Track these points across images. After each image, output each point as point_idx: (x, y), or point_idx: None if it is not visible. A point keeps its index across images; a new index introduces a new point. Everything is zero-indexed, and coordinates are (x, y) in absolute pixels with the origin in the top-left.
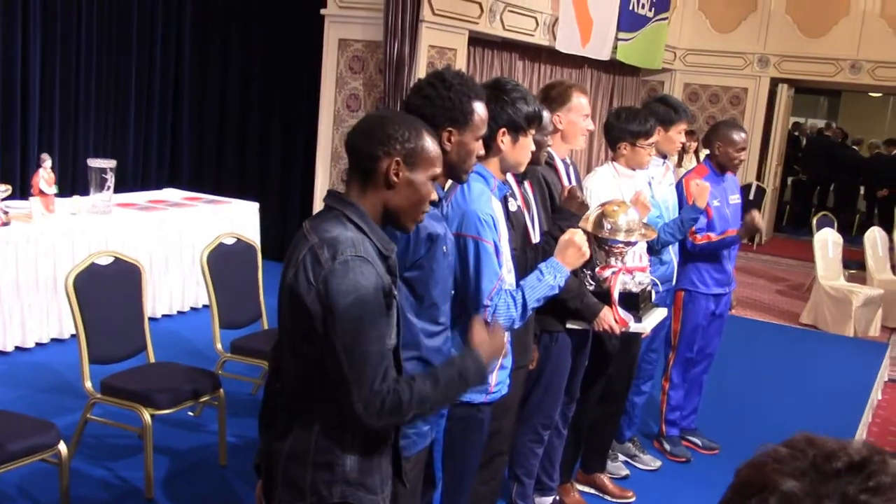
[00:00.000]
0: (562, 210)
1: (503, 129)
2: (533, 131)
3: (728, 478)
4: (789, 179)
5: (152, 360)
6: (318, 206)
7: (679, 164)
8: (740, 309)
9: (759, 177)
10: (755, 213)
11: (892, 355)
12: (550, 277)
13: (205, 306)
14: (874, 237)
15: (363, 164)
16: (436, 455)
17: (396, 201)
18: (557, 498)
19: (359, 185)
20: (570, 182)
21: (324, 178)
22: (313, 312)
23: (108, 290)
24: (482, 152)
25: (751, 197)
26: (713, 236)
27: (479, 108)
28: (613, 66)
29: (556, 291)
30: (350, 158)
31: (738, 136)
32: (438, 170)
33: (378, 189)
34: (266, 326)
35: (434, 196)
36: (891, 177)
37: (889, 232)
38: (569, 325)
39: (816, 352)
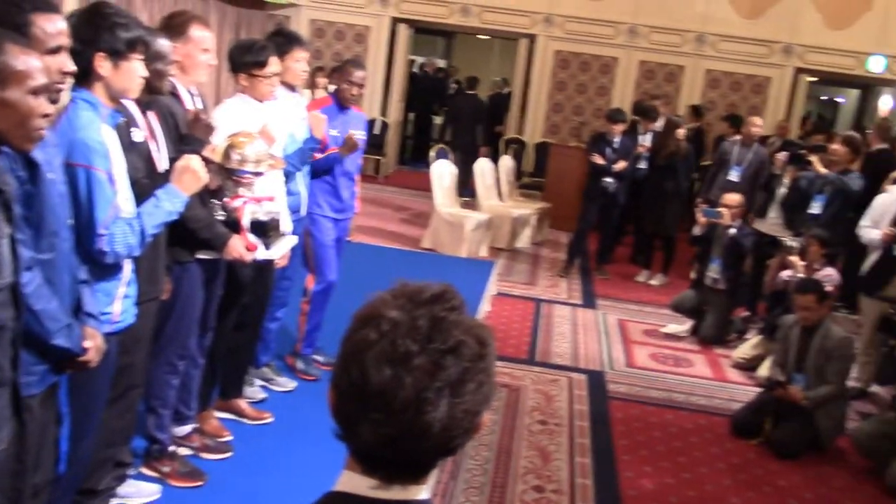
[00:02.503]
0: (187, 136)
1: (101, 54)
2: (138, 56)
3: None
4: (411, 115)
5: None
6: None
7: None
8: (366, 236)
9: (384, 112)
10: (351, 133)
11: (499, 272)
12: (168, 203)
13: None
14: (482, 168)
15: None
16: (60, 390)
17: None
18: (196, 426)
19: None
20: None
21: None
22: None
23: None
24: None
25: (376, 131)
26: (319, 155)
27: (44, 22)
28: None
29: (175, 217)
30: None
31: (356, 73)
32: (38, 81)
33: None
34: None
35: (47, 109)
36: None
37: (496, 162)
38: (199, 256)
39: (435, 272)
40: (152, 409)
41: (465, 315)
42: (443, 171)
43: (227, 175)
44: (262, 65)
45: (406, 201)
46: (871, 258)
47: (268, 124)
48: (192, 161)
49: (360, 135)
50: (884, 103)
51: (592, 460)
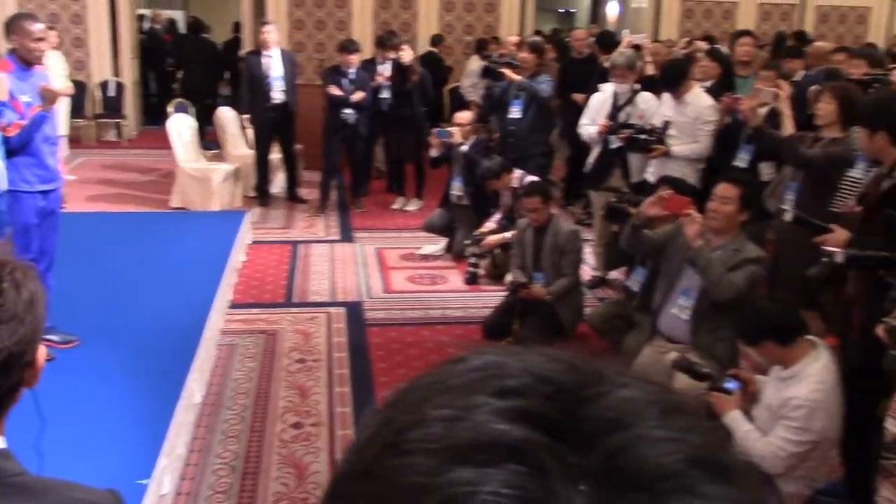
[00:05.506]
0: None
1: None
2: None
3: (92, 364)
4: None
5: None
6: None
7: None
8: (109, 204)
9: (116, 72)
10: (42, 84)
11: (253, 220)
12: None
13: None
14: (223, 117)
15: None
16: None
17: None
18: None
19: None
20: None
21: None
22: None
23: None
24: None
25: (111, 93)
26: (22, 122)
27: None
28: None
29: None
30: None
31: (33, 27)
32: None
33: None
34: None
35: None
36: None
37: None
38: None
39: (185, 230)
40: None
41: None
42: (181, 126)
43: None
44: None
45: (154, 163)
46: (593, 154)
47: None
48: None
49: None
50: (611, 9)
51: (351, 389)
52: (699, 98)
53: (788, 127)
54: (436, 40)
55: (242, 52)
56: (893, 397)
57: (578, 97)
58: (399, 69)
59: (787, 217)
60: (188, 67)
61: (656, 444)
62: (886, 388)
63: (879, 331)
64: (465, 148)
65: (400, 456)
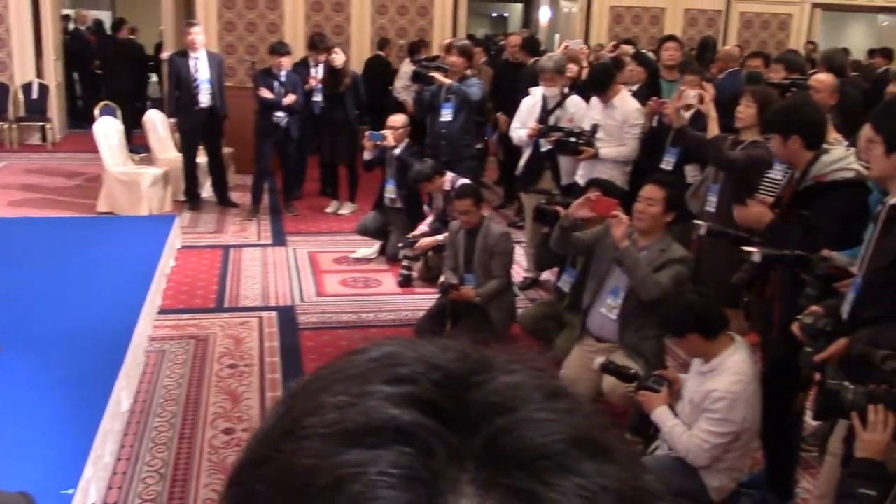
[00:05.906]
0: None
1: None
2: None
3: (16, 371)
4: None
5: None
6: None
7: None
8: (34, 209)
9: (39, 73)
10: None
11: (184, 225)
12: None
13: None
14: (152, 120)
15: None
16: None
17: None
18: None
19: None
20: None
21: None
22: None
23: None
24: None
25: (34, 95)
26: None
27: None
28: None
29: None
30: None
31: None
32: None
33: None
34: None
35: None
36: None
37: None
38: None
39: (113, 235)
40: None
41: None
42: (108, 129)
43: None
44: None
45: (80, 166)
46: (524, 157)
47: None
48: None
49: None
50: (543, 14)
51: None
52: (626, 102)
53: (714, 129)
54: (382, 44)
55: (165, 54)
56: (809, 391)
57: (502, 119)
58: (331, 72)
59: (702, 231)
60: (114, 69)
61: (538, 426)
62: (803, 382)
63: (795, 328)
64: (398, 151)
65: (296, 441)
